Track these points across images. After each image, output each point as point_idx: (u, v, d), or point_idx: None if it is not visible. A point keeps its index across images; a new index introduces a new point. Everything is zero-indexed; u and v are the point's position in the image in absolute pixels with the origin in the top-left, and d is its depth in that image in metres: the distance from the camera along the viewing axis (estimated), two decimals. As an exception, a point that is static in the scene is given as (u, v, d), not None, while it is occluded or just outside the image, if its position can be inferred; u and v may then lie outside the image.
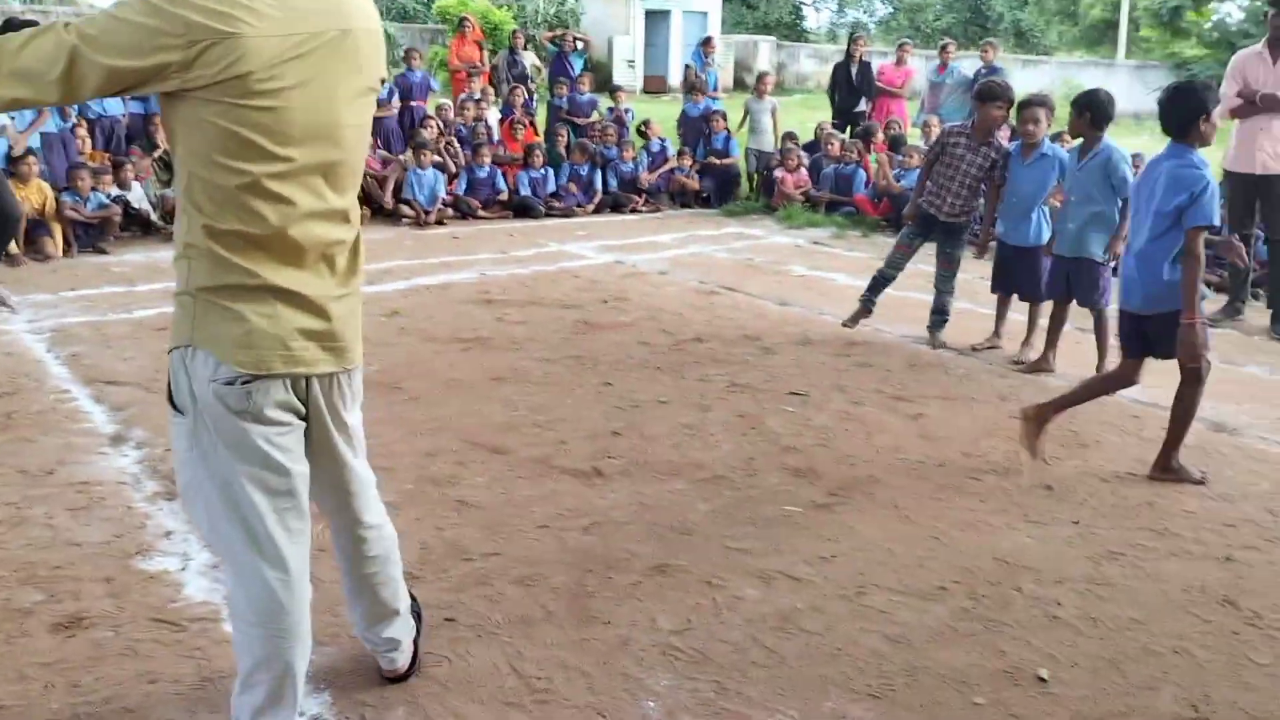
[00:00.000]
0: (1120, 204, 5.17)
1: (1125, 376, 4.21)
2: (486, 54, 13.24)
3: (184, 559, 3.24)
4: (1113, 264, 5.39)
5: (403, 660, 2.58)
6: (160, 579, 3.12)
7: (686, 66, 13.51)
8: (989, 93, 5.75)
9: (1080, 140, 5.34)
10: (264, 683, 2.10)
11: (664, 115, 13.86)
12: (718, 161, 11.35)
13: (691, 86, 12.18)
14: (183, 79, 1.75)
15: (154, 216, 8.54)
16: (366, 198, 9.57)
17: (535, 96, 12.82)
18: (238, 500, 2.00)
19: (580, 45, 13.29)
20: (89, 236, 7.99)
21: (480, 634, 2.85)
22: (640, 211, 10.84)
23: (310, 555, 2.17)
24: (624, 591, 3.11)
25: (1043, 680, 2.73)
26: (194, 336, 1.92)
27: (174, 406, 1.99)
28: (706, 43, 13.05)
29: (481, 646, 2.78)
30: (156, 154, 9.05)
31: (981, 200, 6.15)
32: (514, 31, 13.78)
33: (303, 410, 2.04)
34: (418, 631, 2.65)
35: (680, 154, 11.36)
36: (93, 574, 3.13)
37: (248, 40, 1.75)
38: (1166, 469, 4.11)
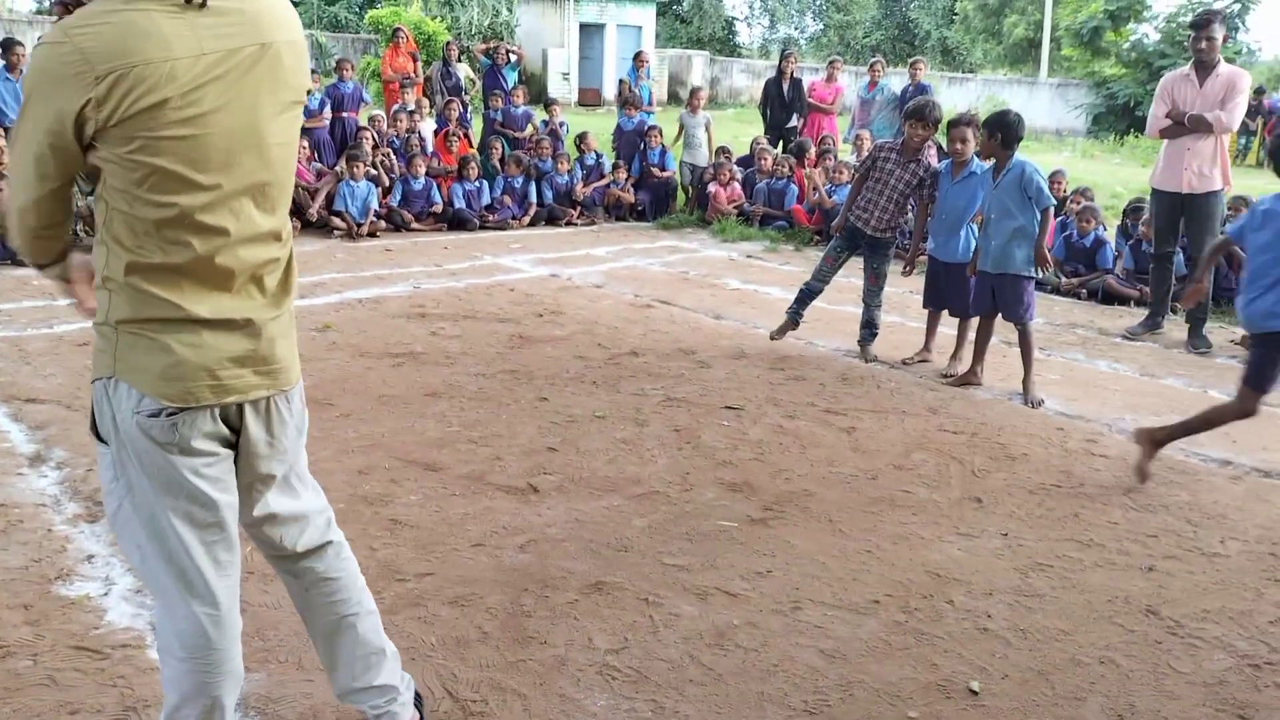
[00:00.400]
0: (1039, 215, 5.30)
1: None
2: (420, 65, 13.13)
3: (106, 584, 3.15)
4: (1038, 277, 5.52)
5: (406, 715, 2.35)
6: (81, 605, 3.02)
7: (621, 80, 13.54)
8: (910, 113, 5.91)
9: (993, 161, 5.48)
10: (191, 717, 2.03)
11: (599, 128, 13.88)
12: (659, 174, 11.43)
13: (626, 101, 12.22)
14: (97, 117, 1.68)
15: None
16: (296, 209, 9.44)
17: (470, 108, 12.75)
18: (165, 534, 1.93)
19: (514, 58, 13.23)
20: (6, 249, 7.76)
21: (414, 656, 2.81)
22: (575, 224, 10.86)
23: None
24: (560, 610, 3.09)
25: (974, 692, 2.77)
26: (116, 369, 1.85)
27: (98, 437, 1.93)
28: (639, 57, 13.11)
29: (415, 670, 2.73)
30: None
31: (908, 216, 6.27)
32: (447, 43, 13.63)
33: (232, 439, 1.97)
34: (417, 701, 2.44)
35: (615, 167, 11.40)
36: (10, 600, 3.03)
37: (158, 66, 1.68)
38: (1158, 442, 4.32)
